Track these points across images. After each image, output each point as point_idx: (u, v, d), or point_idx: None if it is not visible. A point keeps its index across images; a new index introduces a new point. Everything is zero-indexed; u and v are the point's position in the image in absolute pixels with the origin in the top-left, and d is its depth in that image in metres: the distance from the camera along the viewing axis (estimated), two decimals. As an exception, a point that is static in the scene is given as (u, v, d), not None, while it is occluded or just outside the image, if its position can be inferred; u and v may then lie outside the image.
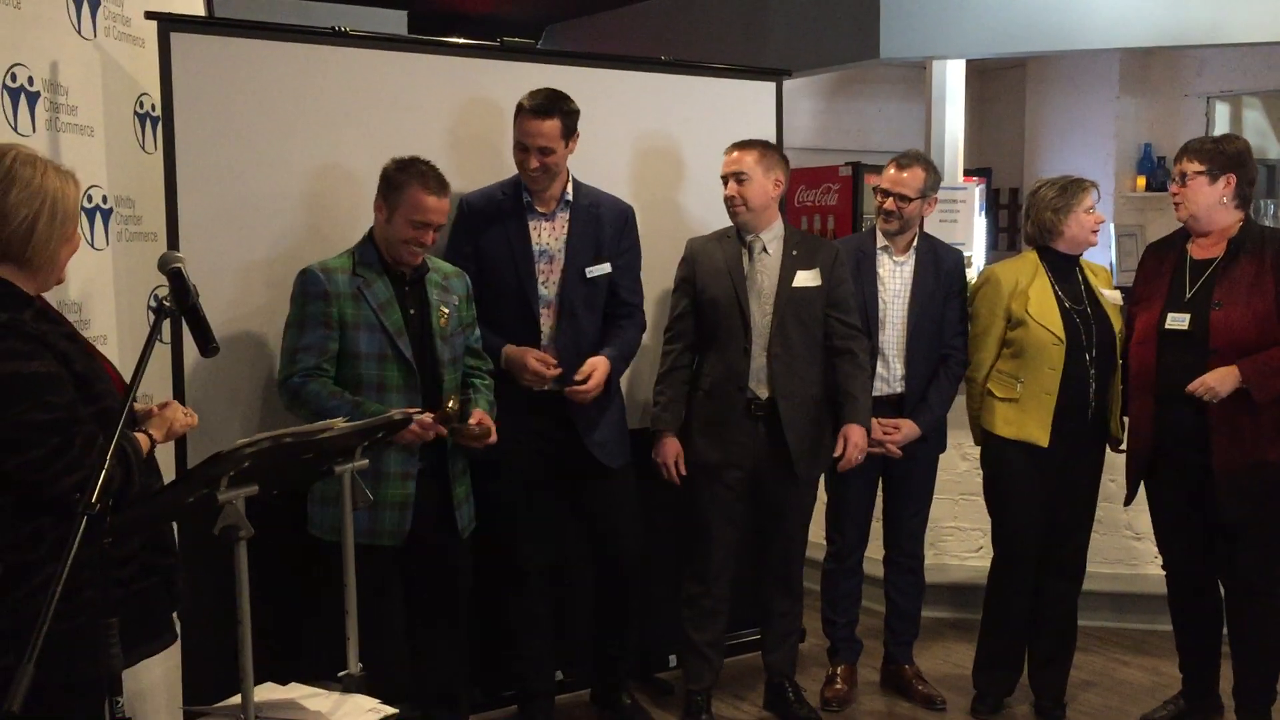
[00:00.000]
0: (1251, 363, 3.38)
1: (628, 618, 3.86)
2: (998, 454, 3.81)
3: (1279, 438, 3.44)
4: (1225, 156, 3.49)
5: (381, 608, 3.17)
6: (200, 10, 3.83)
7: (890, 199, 3.85)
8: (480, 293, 3.47)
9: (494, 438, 3.27)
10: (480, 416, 3.25)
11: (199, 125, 3.33)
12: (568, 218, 3.58)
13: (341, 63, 3.55)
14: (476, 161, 3.76)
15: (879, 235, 3.94)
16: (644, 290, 3.79)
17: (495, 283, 3.52)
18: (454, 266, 3.41)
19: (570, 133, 3.48)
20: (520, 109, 3.44)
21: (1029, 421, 3.70)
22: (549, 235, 3.57)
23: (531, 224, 3.55)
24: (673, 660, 4.23)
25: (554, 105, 3.42)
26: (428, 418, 3.09)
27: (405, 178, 3.16)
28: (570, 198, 3.59)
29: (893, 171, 3.89)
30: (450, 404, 3.14)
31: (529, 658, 3.73)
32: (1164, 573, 3.80)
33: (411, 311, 3.22)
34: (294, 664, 2.81)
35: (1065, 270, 3.76)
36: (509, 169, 3.63)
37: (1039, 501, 3.77)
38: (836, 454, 3.68)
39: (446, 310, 3.26)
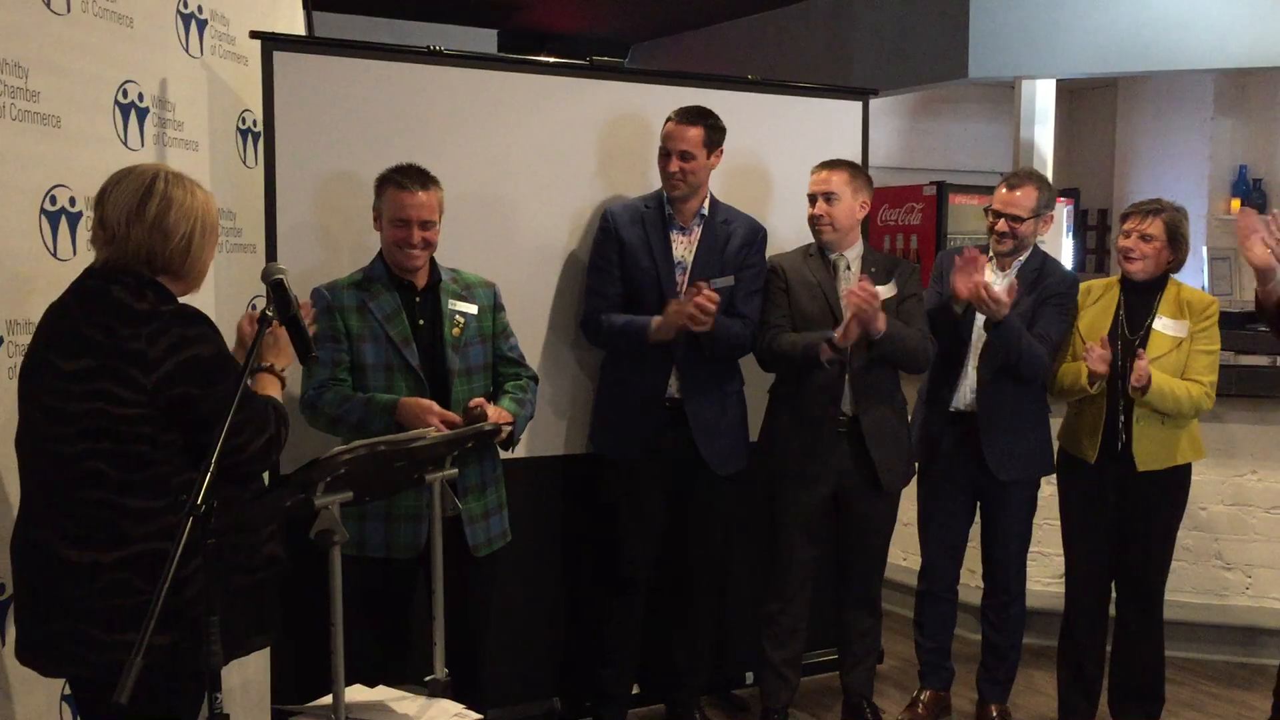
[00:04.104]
0: None
1: (702, 628, 3.89)
2: (1061, 464, 3.85)
3: None
4: None
5: (402, 621, 3.20)
6: (301, 30, 3.95)
7: (1002, 220, 3.74)
8: (625, 298, 3.62)
9: (500, 436, 3.14)
10: (495, 414, 3.11)
11: (298, 141, 3.44)
12: (700, 232, 3.67)
13: (435, 81, 3.64)
14: (566, 177, 3.82)
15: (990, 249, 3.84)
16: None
17: (638, 290, 3.62)
18: (480, 278, 3.39)
19: (713, 146, 3.59)
20: (668, 119, 3.59)
21: (1082, 436, 3.70)
22: (683, 248, 3.66)
23: (672, 236, 3.64)
24: (749, 677, 4.23)
25: (699, 115, 3.59)
26: (457, 420, 3.03)
27: (383, 181, 3.19)
28: (706, 213, 3.67)
29: (1004, 191, 3.77)
30: (474, 406, 3.07)
31: (617, 664, 3.79)
32: (1254, 604, 3.71)
33: (422, 322, 3.21)
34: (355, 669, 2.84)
35: (1137, 297, 3.69)
36: (600, 184, 3.70)
37: (1094, 517, 3.72)
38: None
39: (461, 320, 3.24)
